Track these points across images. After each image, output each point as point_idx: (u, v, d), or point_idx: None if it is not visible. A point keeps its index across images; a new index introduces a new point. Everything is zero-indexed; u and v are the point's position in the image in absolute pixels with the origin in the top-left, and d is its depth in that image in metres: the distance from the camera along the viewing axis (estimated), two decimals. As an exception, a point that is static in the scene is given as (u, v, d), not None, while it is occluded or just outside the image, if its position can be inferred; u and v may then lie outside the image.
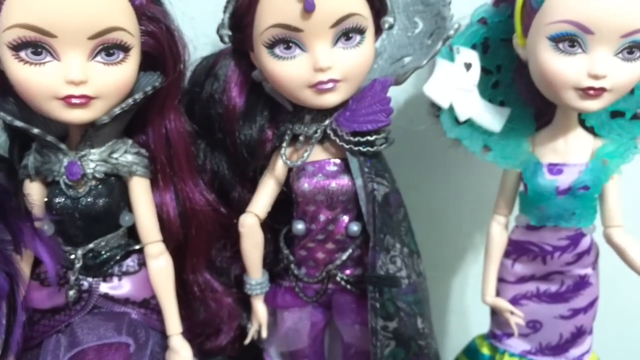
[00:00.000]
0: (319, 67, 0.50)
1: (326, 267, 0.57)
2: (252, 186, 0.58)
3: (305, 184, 0.56)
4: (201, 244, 0.57)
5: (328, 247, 0.57)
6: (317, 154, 0.56)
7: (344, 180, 0.55)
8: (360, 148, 0.54)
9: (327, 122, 0.54)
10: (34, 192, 0.52)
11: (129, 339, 0.51)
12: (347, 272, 0.58)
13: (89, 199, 0.52)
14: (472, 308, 0.85)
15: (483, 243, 0.83)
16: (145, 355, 0.54)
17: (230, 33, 0.54)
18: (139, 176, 0.54)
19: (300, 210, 0.58)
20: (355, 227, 0.56)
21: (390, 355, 0.54)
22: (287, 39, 0.50)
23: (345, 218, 0.56)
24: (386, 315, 0.53)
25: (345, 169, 0.56)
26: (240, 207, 0.58)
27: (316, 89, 0.51)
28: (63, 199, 0.52)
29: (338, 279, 0.57)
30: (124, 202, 0.55)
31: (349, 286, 0.57)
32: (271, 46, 0.51)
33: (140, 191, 0.54)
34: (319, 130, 0.54)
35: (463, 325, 0.86)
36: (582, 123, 0.56)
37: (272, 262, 0.61)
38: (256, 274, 0.59)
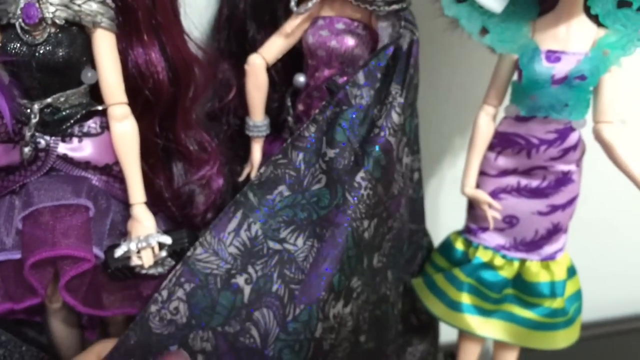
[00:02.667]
0: None
1: None
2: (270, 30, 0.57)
3: (310, 36, 0.55)
4: (193, 98, 0.54)
5: None
6: (331, 10, 0.55)
7: (346, 41, 0.54)
8: (375, 7, 0.52)
9: None
10: (-15, 36, 0.47)
11: (89, 202, 0.48)
12: None
13: (47, 47, 0.47)
14: (446, 212, 0.84)
15: (462, 146, 0.82)
16: (105, 223, 0.51)
17: None
18: (103, 29, 0.49)
19: (304, 64, 0.57)
20: None
21: None
22: None
23: (342, 79, 0.54)
24: None
25: (353, 30, 0.54)
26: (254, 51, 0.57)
27: None
28: (18, 45, 0.47)
29: None
30: (87, 57, 0.50)
31: None
32: None
33: (105, 46, 0.50)
34: None
35: (436, 228, 0.85)
36: (586, 11, 0.53)
37: (276, 113, 0.61)
38: (257, 116, 0.58)
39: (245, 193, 0.47)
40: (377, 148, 0.48)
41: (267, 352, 0.43)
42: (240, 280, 0.45)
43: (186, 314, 0.43)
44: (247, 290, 0.44)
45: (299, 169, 0.48)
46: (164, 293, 0.43)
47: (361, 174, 0.47)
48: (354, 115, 0.49)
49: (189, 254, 0.45)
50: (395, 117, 0.50)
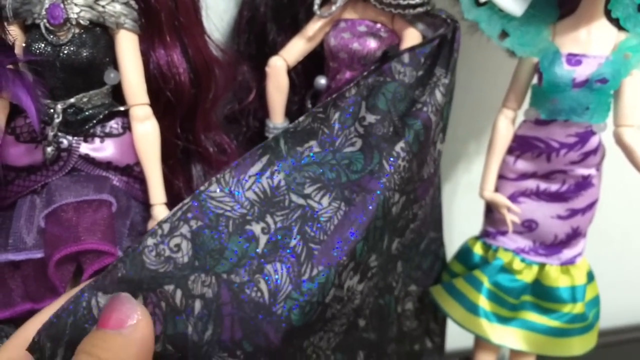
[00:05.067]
0: None
1: None
2: (291, 33, 0.58)
3: (332, 38, 0.55)
4: (214, 100, 0.54)
5: None
6: (354, 12, 0.55)
7: (368, 43, 0.54)
8: (400, 10, 0.52)
9: None
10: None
11: (111, 197, 0.48)
12: None
13: (71, 48, 0.48)
14: (461, 219, 0.84)
15: (477, 151, 0.82)
16: (125, 224, 0.51)
17: None
18: (126, 30, 0.49)
19: (325, 66, 0.57)
20: None
21: None
22: None
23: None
24: None
25: (376, 32, 0.54)
26: (274, 53, 0.57)
27: None
28: (43, 45, 0.47)
29: None
30: (110, 58, 0.50)
31: None
32: None
33: (127, 47, 0.50)
34: None
35: (450, 235, 0.85)
36: (607, 14, 0.53)
37: (296, 116, 0.59)
38: (277, 118, 0.59)
39: (278, 139, 0.43)
40: (419, 122, 0.48)
41: (275, 309, 0.39)
42: (256, 228, 0.40)
43: (188, 254, 0.38)
44: (262, 240, 0.40)
45: (333, 128, 0.46)
46: (165, 227, 0.38)
47: (401, 144, 0.46)
48: (397, 89, 0.48)
49: (201, 188, 0.40)
50: (439, 96, 0.50)
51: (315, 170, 0.44)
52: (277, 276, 0.40)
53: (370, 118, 0.47)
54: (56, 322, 0.33)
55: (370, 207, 0.43)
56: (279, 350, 0.39)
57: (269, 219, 0.41)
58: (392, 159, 0.45)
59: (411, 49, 0.50)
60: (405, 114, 0.48)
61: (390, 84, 0.48)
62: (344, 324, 0.47)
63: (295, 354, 0.43)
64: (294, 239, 0.41)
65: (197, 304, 0.37)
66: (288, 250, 0.41)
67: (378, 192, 0.44)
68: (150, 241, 0.37)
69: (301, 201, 0.43)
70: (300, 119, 0.44)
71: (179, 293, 0.37)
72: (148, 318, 0.34)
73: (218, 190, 0.40)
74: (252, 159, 0.42)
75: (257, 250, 0.40)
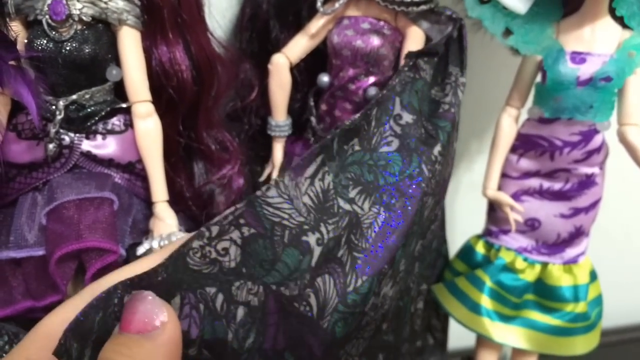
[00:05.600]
0: None
1: None
2: (293, 31, 0.58)
3: (335, 36, 0.55)
4: (216, 97, 0.54)
5: (346, 106, 0.56)
6: (357, 9, 0.55)
7: (371, 40, 0.54)
8: (404, 8, 0.52)
9: None
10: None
11: (113, 195, 0.48)
12: None
13: (74, 44, 0.47)
14: (462, 218, 0.84)
15: (479, 150, 0.82)
16: (127, 221, 0.51)
17: None
18: (129, 26, 0.49)
19: (328, 64, 0.57)
20: (373, 92, 0.55)
21: None
22: None
23: (366, 80, 0.55)
24: None
25: (379, 30, 0.54)
26: (277, 51, 0.57)
27: None
28: (45, 41, 0.47)
29: None
30: (112, 55, 0.50)
31: None
32: None
33: (130, 43, 0.50)
34: None
35: (451, 233, 0.85)
36: (611, 12, 0.53)
37: (298, 113, 0.61)
38: (279, 116, 0.58)
39: (333, 136, 0.39)
40: (449, 124, 0.47)
41: (323, 323, 0.36)
42: (312, 239, 0.37)
43: (236, 259, 0.35)
44: (317, 252, 0.37)
45: (370, 124, 0.43)
46: (214, 229, 0.34)
47: (438, 147, 0.45)
48: (423, 87, 0.47)
49: (258, 193, 0.35)
50: (461, 95, 0.49)
51: (356, 171, 0.41)
52: (325, 288, 0.37)
53: (407, 117, 0.44)
54: (83, 319, 0.30)
55: (410, 213, 0.41)
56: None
57: (322, 228, 0.38)
58: (430, 164, 0.44)
59: (427, 47, 0.49)
60: (431, 115, 0.47)
61: (419, 81, 0.47)
62: (372, 330, 0.45)
63: None
64: (342, 248, 0.38)
65: (240, 311, 0.35)
66: (336, 261, 0.38)
67: (418, 197, 0.42)
68: (196, 243, 0.34)
69: (347, 207, 0.40)
70: (356, 115, 0.41)
71: (220, 297, 0.34)
72: (175, 319, 0.30)
73: (276, 196, 0.36)
74: (309, 157, 0.38)
75: (312, 263, 0.37)
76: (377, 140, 0.43)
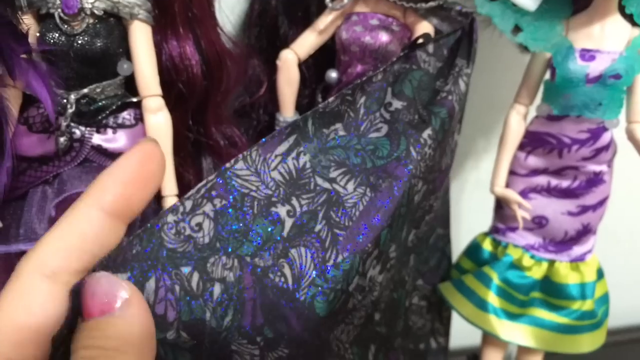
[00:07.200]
0: None
1: None
2: (302, 27, 0.58)
3: (343, 32, 0.55)
4: (225, 92, 0.54)
5: None
6: (366, 6, 0.55)
7: (380, 36, 0.54)
8: (413, 4, 0.52)
9: None
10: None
11: (122, 188, 0.48)
12: None
13: (85, 38, 0.48)
14: (469, 216, 0.84)
15: (485, 148, 0.82)
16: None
17: None
18: (140, 20, 0.49)
19: (337, 60, 0.57)
20: None
21: None
22: None
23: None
24: None
25: (388, 26, 0.54)
26: (285, 47, 0.57)
27: None
28: (57, 35, 0.47)
29: None
30: (123, 49, 0.50)
31: None
32: None
33: (141, 38, 0.50)
34: None
35: (457, 232, 0.85)
36: (621, 10, 0.53)
37: (306, 109, 0.60)
38: (287, 112, 0.58)
39: (306, 118, 0.41)
40: (444, 110, 0.47)
41: (298, 295, 0.37)
42: (282, 210, 0.38)
43: (210, 234, 0.35)
44: (288, 223, 0.38)
45: (359, 112, 0.44)
46: (188, 204, 0.35)
47: (428, 131, 0.46)
48: (422, 77, 0.48)
49: (227, 165, 0.37)
50: (462, 85, 0.49)
51: (340, 154, 0.43)
52: (301, 261, 0.38)
53: (397, 104, 0.46)
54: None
55: (397, 194, 0.42)
56: (299, 337, 0.38)
57: (294, 201, 0.39)
58: (419, 145, 0.45)
59: (435, 40, 0.50)
60: (429, 103, 0.48)
61: (416, 72, 0.48)
62: (362, 316, 0.46)
63: (322, 347, 0.42)
64: (319, 223, 0.40)
65: (217, 288, 0.35)
66: (313, 235, 0.39)
67: (405, 178, 0.43)
68: (170, 218, 0.34)
69: (327, 185, 0.41)
70: (330, 99, 0.43)
71: (195, 276, 0.35)
72: (137, 292, 0.29)
73: (244, 167, 0.38)
74: (279, 137, 0.40)
75: (283, 233, 0.38)
76: (366, 127, 0.44)
